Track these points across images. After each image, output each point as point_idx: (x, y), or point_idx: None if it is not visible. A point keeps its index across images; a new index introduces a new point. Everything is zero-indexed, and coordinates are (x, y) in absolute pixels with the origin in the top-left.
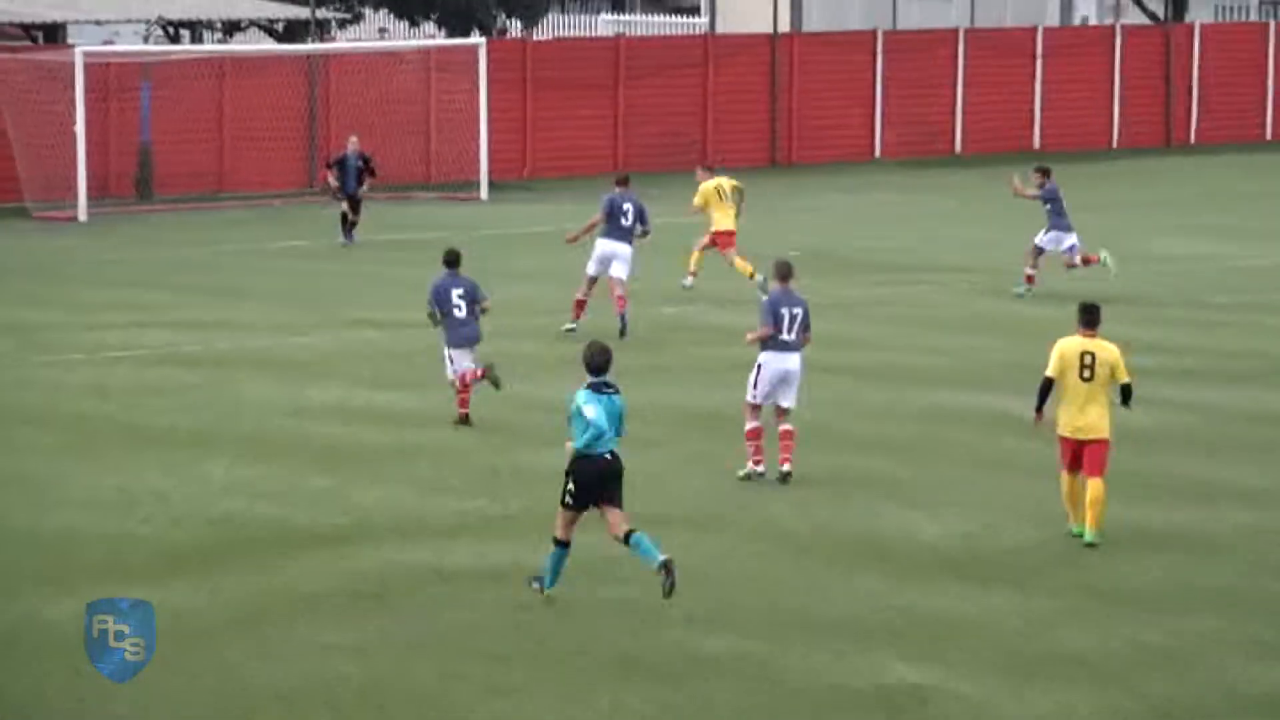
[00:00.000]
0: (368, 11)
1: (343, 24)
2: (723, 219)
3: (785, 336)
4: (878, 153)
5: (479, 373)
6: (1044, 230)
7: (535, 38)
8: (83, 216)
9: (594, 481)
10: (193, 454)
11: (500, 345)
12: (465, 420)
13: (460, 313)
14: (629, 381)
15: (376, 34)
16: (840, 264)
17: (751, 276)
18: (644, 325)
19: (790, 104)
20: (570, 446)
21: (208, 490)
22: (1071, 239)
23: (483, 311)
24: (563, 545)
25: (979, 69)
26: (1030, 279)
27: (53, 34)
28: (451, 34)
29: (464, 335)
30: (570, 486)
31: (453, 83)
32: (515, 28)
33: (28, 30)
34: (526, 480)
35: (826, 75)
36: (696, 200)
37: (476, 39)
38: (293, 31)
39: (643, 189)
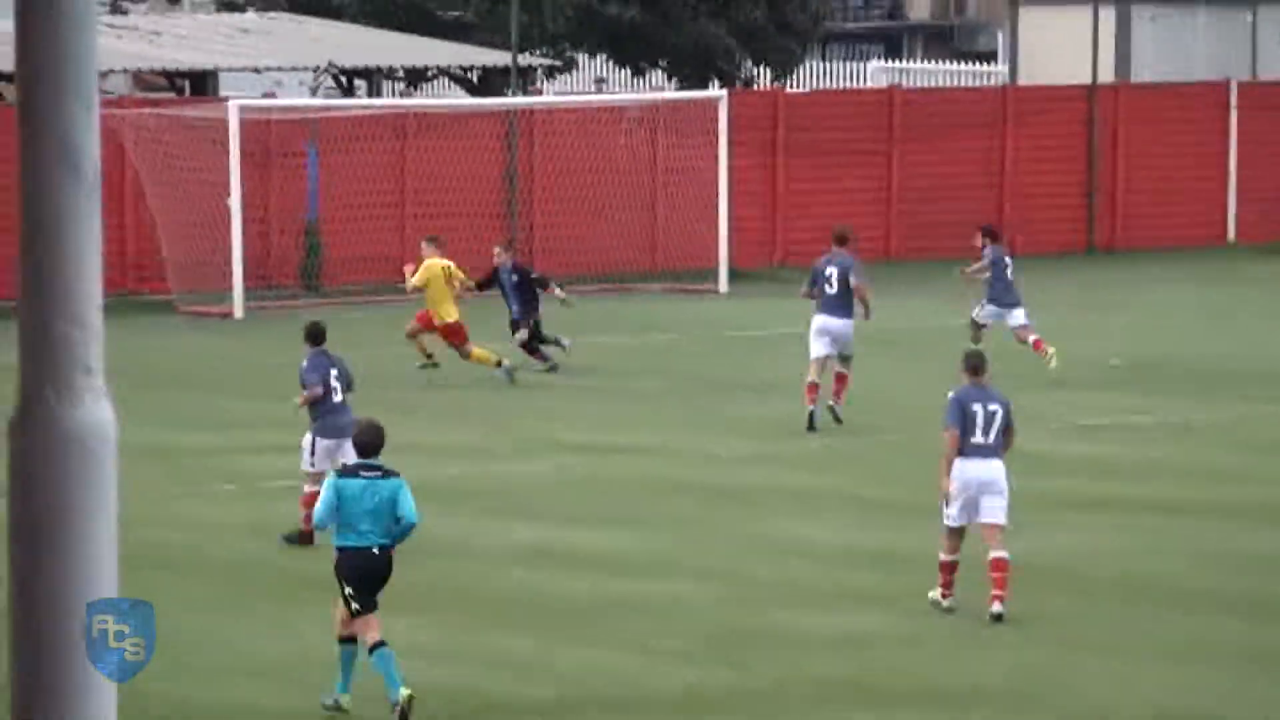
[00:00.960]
0: (582, 58)
1: (551, 73)
2: (450, 310)
3: (979, 439)
4: (1231, 235)
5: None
6: (982, 302)
7: (789, 89)
8: (238, 312)
9: (353, 578)
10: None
11: (752, 474)
12: (308, 539)
13: (336, 396)
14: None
15: (592, 85)
16: (1186, 377)
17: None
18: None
19: (1114, 173)
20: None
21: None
22: (1019, 314)
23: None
24: (378, 646)
25: None
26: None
27: (202, 84)
28: (684, 85)
29: (340, 424)
30: (346, 591)
31: (685, 145)
32: (764, 77)
33: (172, 79)
34: (774, 644)
35: (1163, 137)
36: (416, 281)
37: (716, 91)
38: (489, 82)
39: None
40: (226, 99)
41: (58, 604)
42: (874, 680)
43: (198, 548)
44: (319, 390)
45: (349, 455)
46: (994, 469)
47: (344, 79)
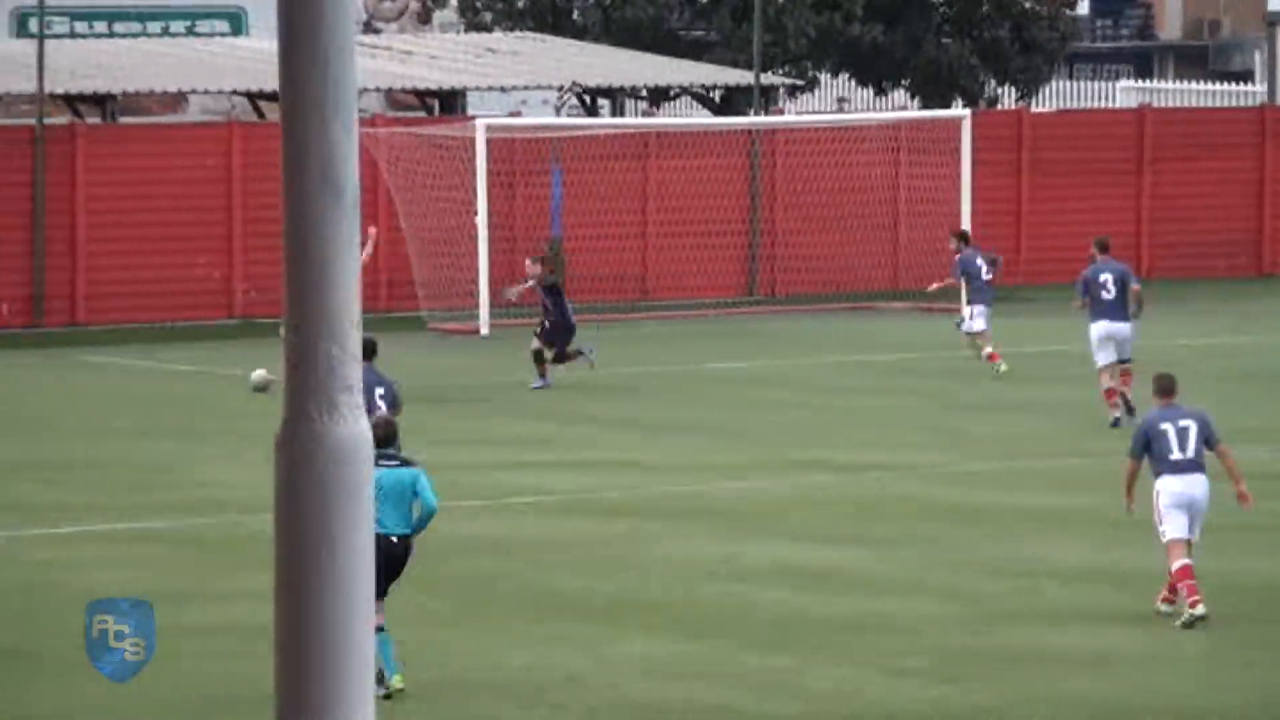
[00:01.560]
0: (824, 77)
1: (793, 92)
2: None
3: (1177, 455)
4: None
5: None
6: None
7: (1034, 109)
8: (484, 329)
9: (380, 567)
10: (610, 625)
11: (997, 494)
12: None
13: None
14: None
15: (834, 104)
16: None
17: None
18: None
19: None
20: None
21: (628, 670)
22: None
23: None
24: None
25: None
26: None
27: (450, 102)
28: (927, 104)
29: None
30: None
31: (928, 165)
32: (1008, 97)
33: (423, 98)
34: (1019, 663)
35: None
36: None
37: (959, 111)
38: (732, 100)
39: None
40: (474, 118)
41: (318, 613)
42: (1120, 699)
43: (445, 563)
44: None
45: None
46: (1197, 483)
47: (588, 98)
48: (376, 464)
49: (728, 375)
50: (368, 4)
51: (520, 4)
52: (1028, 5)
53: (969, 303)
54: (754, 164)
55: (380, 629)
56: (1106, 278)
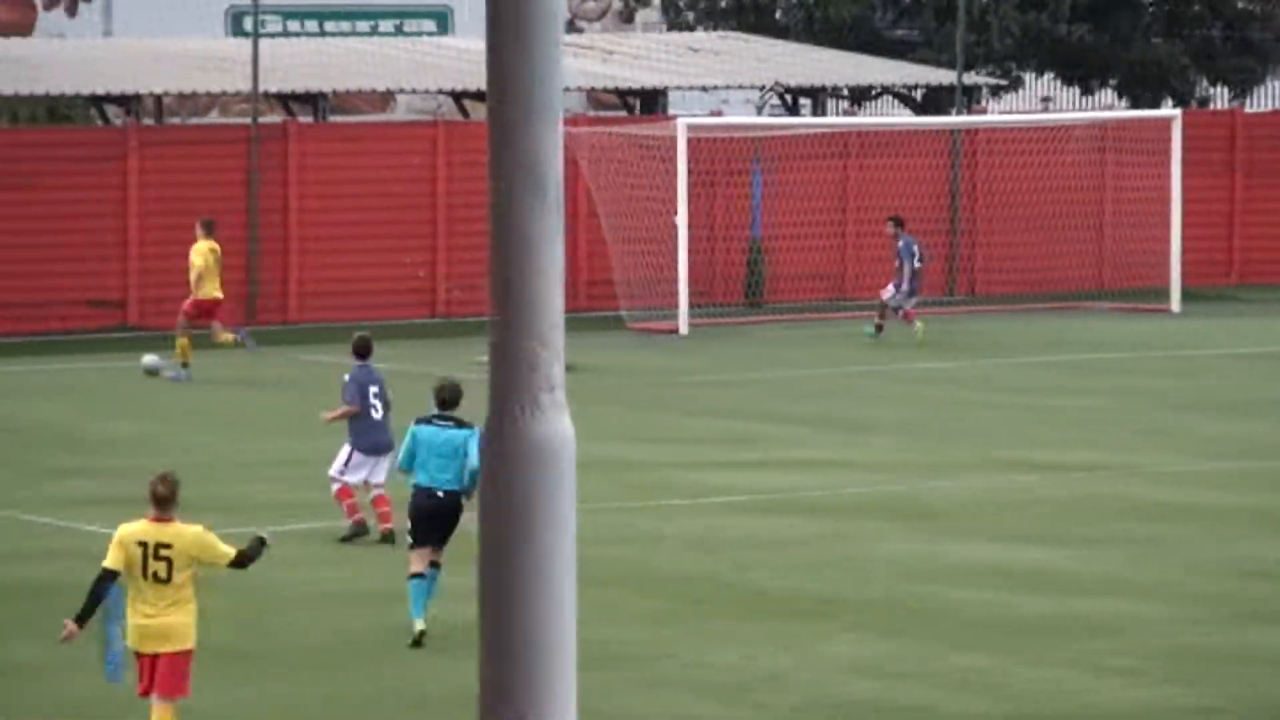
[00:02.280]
0: (1028, 76)
1: (996, 91)
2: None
3: None
4: None
5: (378, 504)
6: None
7: (1248, 109)
8: (683, 328)
9: (419, 518)
10: (815, 624)
11: (1205, 493)
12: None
13: (376, 414)
14: None
15: (1038, 103)
16: None
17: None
18: None
19: None
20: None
21: (833, 670)
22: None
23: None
24: (415, 576)
25: None
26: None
27: (651, 102)
28: (1134, 104)
29: (376, 441)
30: (409, 525)
31: (1136, 165)
32: (1221, 98)
33: (624, 98)
34: (1233, 663)
35: None
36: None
37: (1169, 110)
38: (934, 100)
39: None
40: (675, 117)
41: (522, 610)
42: None
43: (647, 562)
44: (354, 409)
45: (380, 473)
46: None
47: (789, 98)
48: (431, 422)
49: (928, 375)
50: (571, 3)
51: (723, 3)
52: (1241, 5)
53: (909, 283)
54: (955, 163)
55: (418, 575)
56: None
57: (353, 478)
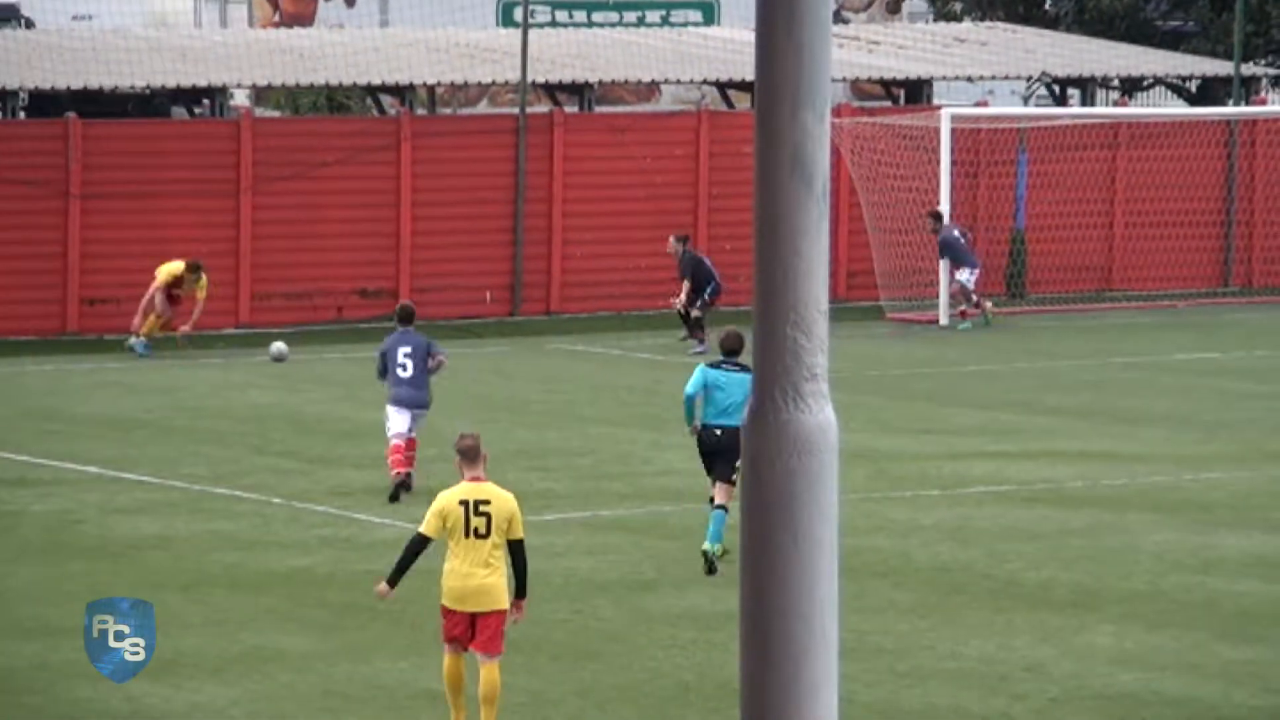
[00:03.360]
0: None
1: (1276, 82)
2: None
3: None
4: None
5: (403, 448)
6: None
7: None
8: (943, 319)
9: (707, 453)
10: (1074, 616)
11: None
12: (402, 485)
13: (405, 372)
14: None
15: None
16: None
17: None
18: None
19: None
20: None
21: (1093, 661)
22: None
23: (437, 366)
24: (712, 503)
25: None
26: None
27: (916, 92)
28: None
29: (402, 395)
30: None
31: None
32: None
33: (888, 88)
34: None
35: None
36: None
37: None
38: (1209, 91)
39: None
40: (939, 107)
41: (785, 604)
42: None
43: (904, 553)
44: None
45: (401, 423)
46: None
47: (1057, 88)
48: (720, 367)
49: (1198, 366)
50: None
51: None
52: None
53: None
54: (1232, 155)
55: (721, 507)
56: None
57: (395, 428)
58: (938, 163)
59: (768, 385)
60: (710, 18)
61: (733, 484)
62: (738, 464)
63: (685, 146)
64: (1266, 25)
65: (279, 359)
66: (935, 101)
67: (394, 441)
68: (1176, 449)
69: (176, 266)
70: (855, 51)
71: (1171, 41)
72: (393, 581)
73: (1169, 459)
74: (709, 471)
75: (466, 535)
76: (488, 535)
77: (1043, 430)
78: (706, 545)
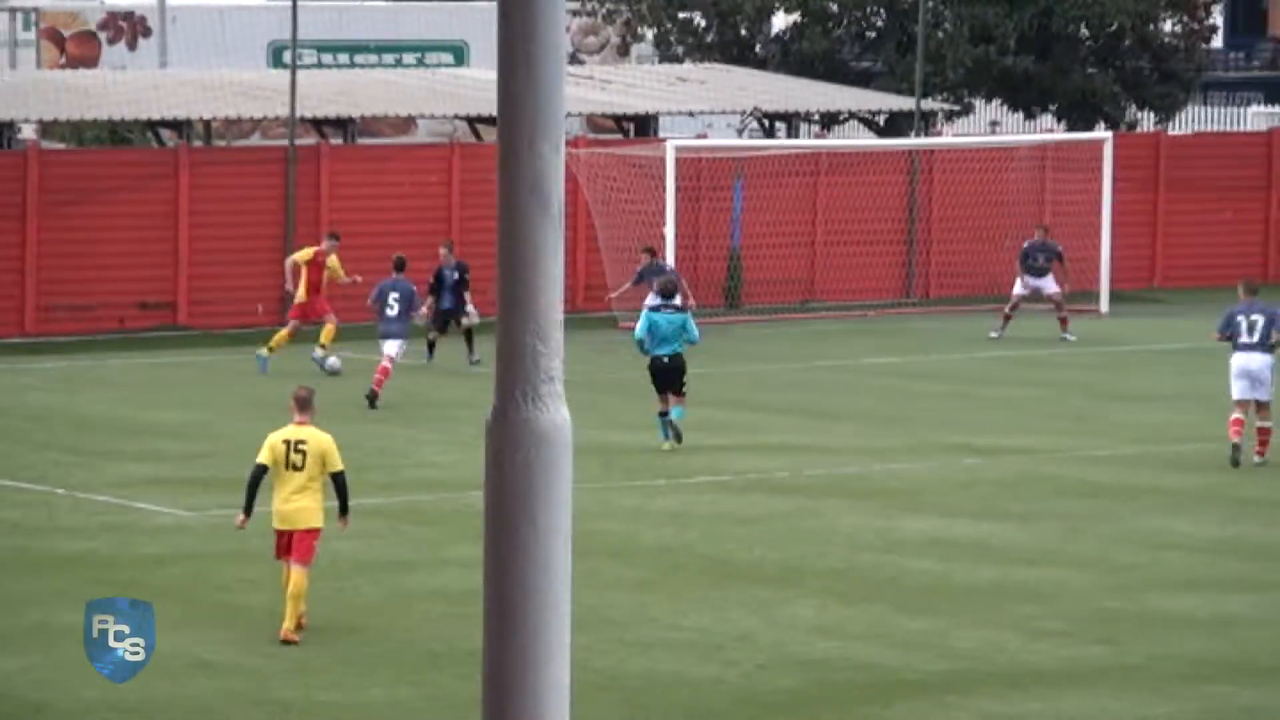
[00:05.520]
0: (978, 103)
1: (950, 116)
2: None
3: (1245, 339)
4: None
5: (387, 370)
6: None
7: (1170, 132)
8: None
9: (656, 374)
10: (780, 591)
11: (1130, 474)
12: (371, 396)
13: (391, 311)
14: None
15: (987, 127)
16: None
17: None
18: None
19: None
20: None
21: (795, 631)
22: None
23: (416, 312)
24: (661, 414)
25: None
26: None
27: (644, 126)
28: (1072, 128)
29: (385, 329)
30: (651, 379)
31: (1072, 182)
32: (1147, 121)
33: (619, 122)
34: (1147, 625)
35: None
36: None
37: (1102, 133)
38: (895, 124)
39: None
40: (665, 139)
41: (523, 581)
42: (1246, 658)
43: (632, 535)
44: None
45: (390, 349)
46: (1258, 360)
47: (767, 122)
48: (659, 310)
49: (885, 368)
50: (573, 38)
51: (709, 39)
52: (1166, 40)
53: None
54: (913, 181)
55: (664, 413)
56: (1257, 319)
57: (388, 351)
58: (664, 189)
59: (509, 387)
60: (461, 59)
61: (682, 395)
62: (684, 379)
63: (439, 174)
64: (943, 66)
65: (334, 373)
66: (661, 134)
67: (382, 363)
68: (866, 442)
69: (307, 252)
70: (590, 89)
71: (863, 80)
72: (247, 510)
73: (860, 451)
74: (659, 390)
75: (286, 468)
76: (303, 468)
77: (754, 426)
78: (665, 445)
